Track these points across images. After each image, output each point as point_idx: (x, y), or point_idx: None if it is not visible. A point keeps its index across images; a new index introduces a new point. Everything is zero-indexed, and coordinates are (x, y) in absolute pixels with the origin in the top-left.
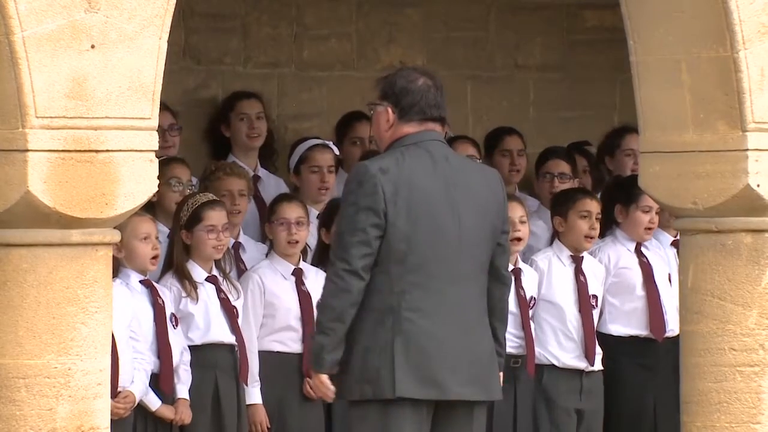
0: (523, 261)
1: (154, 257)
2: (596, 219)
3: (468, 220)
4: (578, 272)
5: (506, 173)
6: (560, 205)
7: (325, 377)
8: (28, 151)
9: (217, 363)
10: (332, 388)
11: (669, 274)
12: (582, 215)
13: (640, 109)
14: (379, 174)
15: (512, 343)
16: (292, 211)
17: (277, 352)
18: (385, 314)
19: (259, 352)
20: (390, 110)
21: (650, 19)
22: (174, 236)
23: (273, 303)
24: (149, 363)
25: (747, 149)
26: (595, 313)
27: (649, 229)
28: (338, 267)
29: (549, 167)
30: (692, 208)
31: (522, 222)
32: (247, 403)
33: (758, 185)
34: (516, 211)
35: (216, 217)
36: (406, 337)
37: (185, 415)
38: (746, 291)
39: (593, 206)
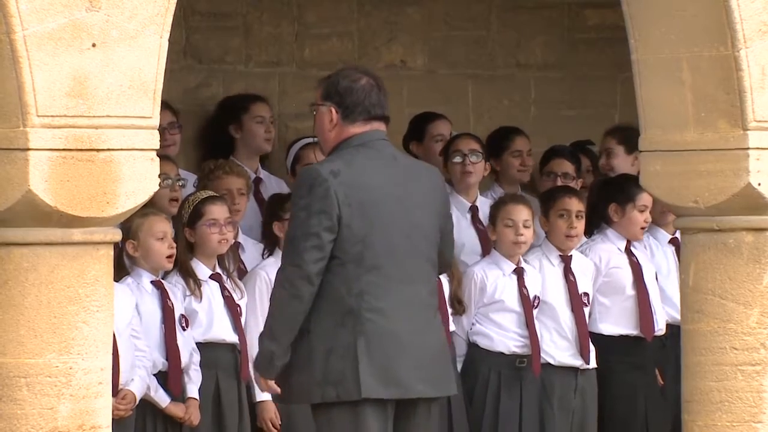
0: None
1: (170, 256)
2: (576, 217)
3: (418, 218)
4: (567, 272)
5: (515, 173)
6: (543, 205)
7: (272, 382)
8: (29, 149)
9: (218, 362)
10: (278, 389)
11: (656, 273)
12: (560, 214)
13: (641, 107)
14: (330, 177)
15: (517, 342)
16: None
17: None
18: (345, 316)
19: None
20: (333, 110)
21: (651, 18)
22: (177, 235)
23: None
24: (150, 360)
25: (748, 148)
26: (586, 311)
27: (643, 228)
28: (290, 272)
29: (552, 167)
30: (693, 207)
31: (526, 226)
32: (257, 400)
33: (759, 184)
34: (521, 214)
35: (217, 211)
36: (368, 337)
37: (194, 417)
38: (747, 290)
39: (572, 204)
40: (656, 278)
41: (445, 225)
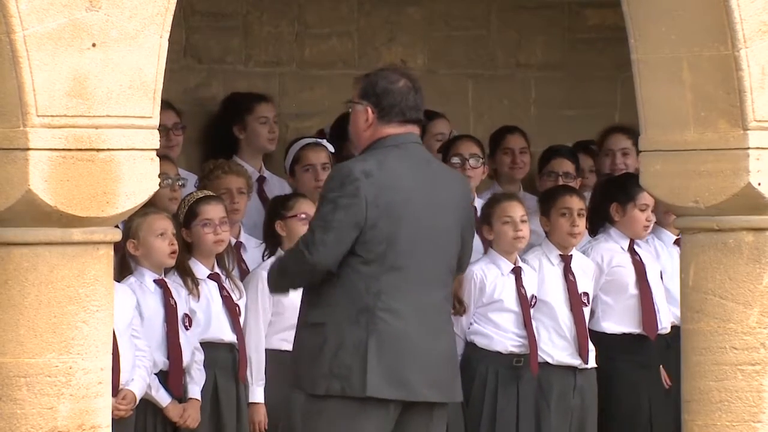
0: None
1: (172, 252)
2: (578, 215)
3: (442, 223)
4: (567, 271)
5: (507, 171)
6: (544, 204)
7: None
8: (29, 149)
9: (216, 361)
10: None
11: (661, 272)
12: (562, 213)
13: (642, 107)
14: (362, 177)
15: (514, 342)
16: (310, 208)
17: (285, 350)
18: (360, 313)
19: (266, 350)
20: (370, 110)
21: (651, 18)
22: (176, 234)
23: (281, 301)
24: (150, 359)
25: (748, 148)
26: (587, 310)
27: (646, 226)
28: (301, 254)
29: (553, 166)
30: (693, 207)
31: (523, 221)
32: (250, 401)
33: (759, 184)
34: (517, 211)
35: (211, 210)
36: (380, 337)
37: (192, 419)
38: (747, 290)
39: (573, 203)
40: (661, 277)
41: (467, 236)
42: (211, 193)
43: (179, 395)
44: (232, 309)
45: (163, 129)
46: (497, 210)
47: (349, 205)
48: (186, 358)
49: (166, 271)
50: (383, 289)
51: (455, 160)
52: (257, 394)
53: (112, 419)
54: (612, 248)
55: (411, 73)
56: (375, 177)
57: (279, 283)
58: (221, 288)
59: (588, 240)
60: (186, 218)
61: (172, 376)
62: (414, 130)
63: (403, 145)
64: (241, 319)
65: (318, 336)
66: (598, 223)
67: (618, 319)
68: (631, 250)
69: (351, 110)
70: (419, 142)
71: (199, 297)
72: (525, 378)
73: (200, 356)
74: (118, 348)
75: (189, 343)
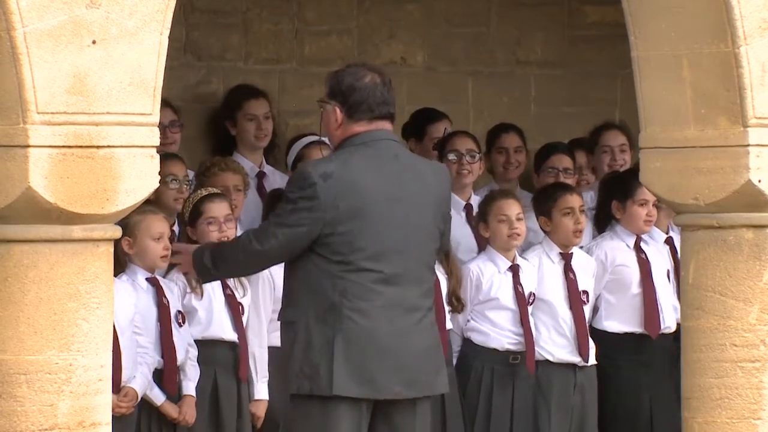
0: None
1: (164, 256)
2: (580, 212)
3: (416, 218)
4: (567, 269)
5: (501, 170)
6: (542, 204)
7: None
8: (29, 146)
9: (216, 360)
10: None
11: (668, 270)
12: (565, 213)
13: (642, 104)
14: (320, 181)
15: (511, 339)
16: None
17: None
18: (327, 312)
19: (268, 347)
20: (338, 109)
21: (651, 15)
22: (180, 233)
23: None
24: (151, 357)
25: (748, 145)
26: (587, 308)
27: (648, 221)
28: (252, 246)
29: (553, 162)
30: (693, 204)
31: (519, 219)
32: (255, 398)
33: (759, 181)
34: (513, 208)
35: (216, 209)
36: (347, 336)
37: (189, 416)
38: (747, 287)
39: (575, 201)
40: (668, 276)
41: (445, 226)
42: (216, 191)
43: (174, 393)
44: (234, 307)
45: (160, 127)
46: (493, 208)
47: (309, 208)
48: (180, 356)
49: (170, 269)
50: (349, 287)
51: (451, 156)
52: (261, 390)
53: (114, 416)
54: (616, 246)
55: (379, 67)
56: (334, 178)
57: (213, 266)
58: (225, 286)
59: (594, 238)
60: (191, 216)
61: (167, 375)
62: (384, 125)
63: (371, 142)
64: (245, 318)
65: (290, 335)
66: (604, 221)
67: (621, 318)
68: (637, 248)
69: (322, 110)
70: (390, 138)
71: (202, 295)
72: (521, 376)
73: (194, 352)
74: (119, 345)
75: (183, 340)
